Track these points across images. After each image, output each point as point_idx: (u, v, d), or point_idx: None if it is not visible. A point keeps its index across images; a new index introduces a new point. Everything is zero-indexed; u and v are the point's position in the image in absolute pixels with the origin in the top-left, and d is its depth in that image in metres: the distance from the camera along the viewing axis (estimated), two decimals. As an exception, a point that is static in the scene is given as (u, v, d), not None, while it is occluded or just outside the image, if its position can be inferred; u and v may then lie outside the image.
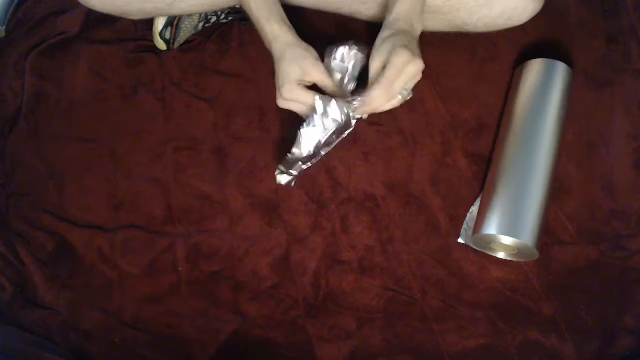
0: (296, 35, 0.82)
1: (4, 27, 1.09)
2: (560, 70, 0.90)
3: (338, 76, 0.85)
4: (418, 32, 0.82)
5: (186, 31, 1.01)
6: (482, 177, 0.91)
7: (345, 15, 0.98)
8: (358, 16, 0.97)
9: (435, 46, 0.98)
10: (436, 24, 0.92)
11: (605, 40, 0.99)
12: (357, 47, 0.86)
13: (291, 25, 0.83)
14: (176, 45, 1.02)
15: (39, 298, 0.89)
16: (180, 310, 0.87)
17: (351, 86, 0.86)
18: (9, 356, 0.81)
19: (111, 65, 1.03)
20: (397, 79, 0.76)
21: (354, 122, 0.81)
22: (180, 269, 0.89)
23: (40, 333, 0.86)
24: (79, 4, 0.92)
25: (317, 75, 0.80)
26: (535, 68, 0.91)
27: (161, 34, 0.98)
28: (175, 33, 0.99)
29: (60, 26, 1.06)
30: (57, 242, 0.92)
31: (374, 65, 0.78)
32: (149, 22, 0.99)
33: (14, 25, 1.09)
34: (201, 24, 1.02)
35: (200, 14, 1.00)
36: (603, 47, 0.98)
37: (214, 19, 1.02)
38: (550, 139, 0.86)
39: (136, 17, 0.96)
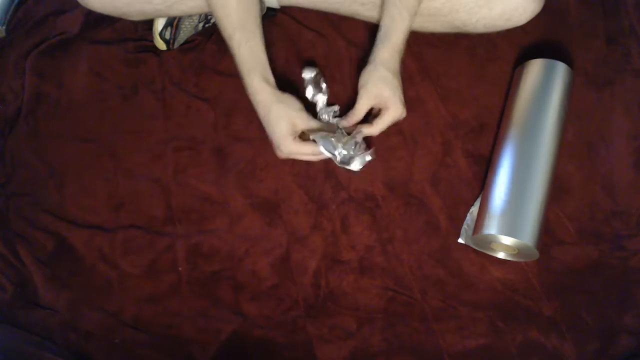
0: (275, 89, 0.84)
1: (4, 27, 1.09)
2: (560, 70, 0.90)
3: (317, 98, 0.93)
4: (401, 61, 0.86)
5: (186, 31, 1.01)
6: (482, 177, 0.91)
7: (344, 16, 0.98)
8: (357, 16, 0.97)
9: (435, 46, 0.98)
10: (436, 25, 0.92)
11: (605, 40, 0.99)
12: (311, 71, 0.93)
13: (271, 79, 0.85)
14: (176, 45, 1.02)
15: (39, 298, 0.89)
16: (180, 310, 0.87)
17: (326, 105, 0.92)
18: (9, 356, 0.81)
19: (111, 65, 1.03)
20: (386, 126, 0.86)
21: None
22: (180, 269, 0.89)
23: (40, 333, 0.86)
24: (79, 4, 0.92)
25: (303, 124, 0.84)
26: (535, 68, 0.91)
27: (161, 34, 0.98)
28: (175, 33, 0.99)
29: (60, 26, 1.07)
30: (57, 242, 0.92)
31: (363, 107, 0.84)
32: (149, 22, 0.99)
33: (14, 25, 1.09)
34: (201, 24, 1.02)
35: (200, 14, 1.00)
36: (603, 47, 0.98)
37: (214, 19, 1.02)
38: (550, 139, 0.86)
39: (136, 18, 0.96)
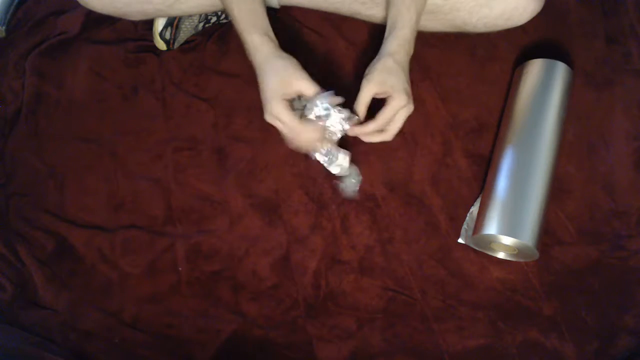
0: (277, 47, 0.80)
1: (4, 27, 1.09)
2: (560, 70, 0.90)
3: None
4: (410, 56, 0.82)
5: (186, 31, 1.01)
6: (482, 177, 0.91)
7: (344, 15, 0.98)
8: (357, 16, 0.97)
9: (435, 46, 0.98)
10: (436, 24, 0.92)
11: (605, 40, 0.99)
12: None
13: (274, 37, 0.81)
14: (176, 45, 1.02)
15: (39, 298, 0.89)
16: (180, 310, 0.87)
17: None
18: (9, 356, 0.81)
19: (111, 65, 1.03)
20: (392, 120, 0.79)
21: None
22: (180, 269, 0.89)
23: (40, 333, 0.86)
24: (79, 4, 0.92)
25: (297, 83, 0.77)
26: (535, 68, 0.91)
27: (161, 34, 0.98)
28: (175, 33, 0.99)
29: (60, 26, 1.06)
30: (57, 242, 0.92)
31: (365, 94, 0.78)
32: (149, 22, 0.99)
33: (14, 25, 1.09)
34: (201, 24, 1.02)
35: (200, 14, 1.00)
36: (603, 47, 0.98)
37: (214, 19, 1.03)
38: (550, 139, 0.86)
39: (136, 18, 0.96)
